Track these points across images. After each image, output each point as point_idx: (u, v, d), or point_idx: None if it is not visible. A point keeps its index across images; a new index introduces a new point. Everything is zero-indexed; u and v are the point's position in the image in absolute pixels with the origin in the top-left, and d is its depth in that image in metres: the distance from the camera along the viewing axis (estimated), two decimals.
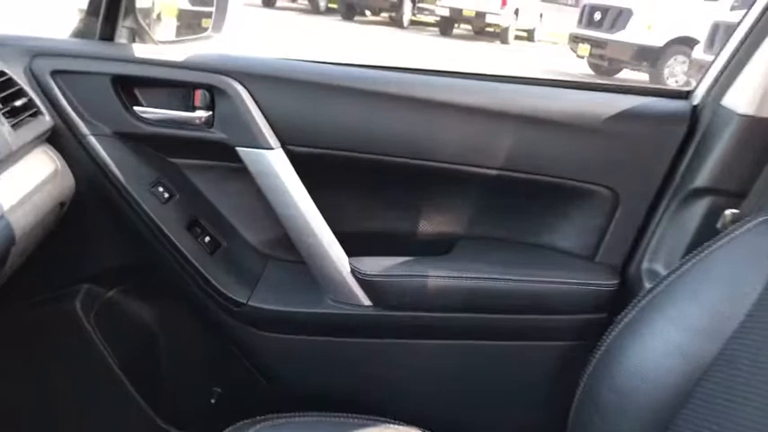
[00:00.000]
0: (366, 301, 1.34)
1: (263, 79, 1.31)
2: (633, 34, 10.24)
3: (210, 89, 1.31)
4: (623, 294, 1.34)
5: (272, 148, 1.28)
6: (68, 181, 1.29)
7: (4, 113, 1.14)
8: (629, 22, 10.42)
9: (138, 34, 1.43)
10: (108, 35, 1.36)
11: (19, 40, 1.30)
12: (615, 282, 1.35)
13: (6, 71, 1.22)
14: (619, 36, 10.36)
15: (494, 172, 1.33)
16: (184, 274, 1.36)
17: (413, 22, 15.76)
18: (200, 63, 1.31)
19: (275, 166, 1.28)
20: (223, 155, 1.33)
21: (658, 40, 10.00)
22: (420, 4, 15.66)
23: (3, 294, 1.19)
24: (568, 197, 1.36)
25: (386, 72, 1.36)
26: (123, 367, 1.47)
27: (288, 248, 1.39)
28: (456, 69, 1.44)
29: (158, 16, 1.59)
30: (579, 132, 1.32)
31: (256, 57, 1.36)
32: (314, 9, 15.97)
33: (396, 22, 15.26)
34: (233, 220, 1.43)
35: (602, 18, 10.73)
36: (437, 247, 1.39)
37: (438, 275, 1.30)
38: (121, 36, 1.38)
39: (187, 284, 1.38)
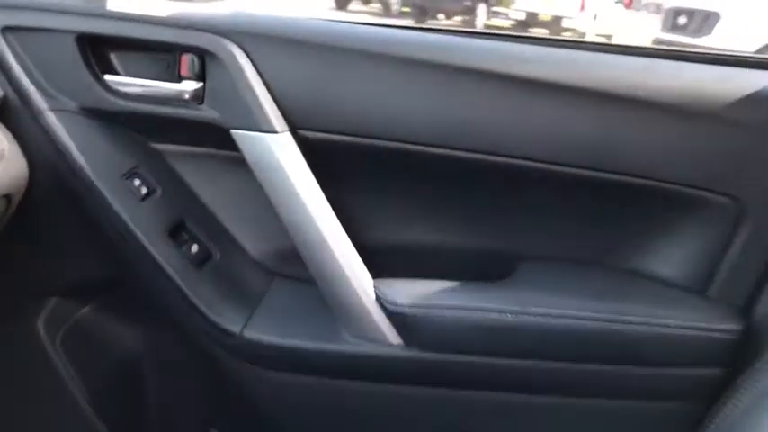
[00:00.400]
0: (395, 339, 1.05)
1: (268, 41, 1.01)
2: (720, 40, 9.60)
3: (201, 53, 1.03)
4: (747, 345, 1.01)
5: (275, 132, 1.01)
6: (18, 168, 1.02)
7: None
8: (716, 27, 9.79)
9: None
10: None
11: None
12: (735, 327, 0.99)
13: None
14: (705, 42, 9.72)
15: (568, 170, 1.01)
16: (164, 292, 1.07)
17: (487, 27, 15.46)
18: (189, 20, 1.02)
19: (280, 155, 1.01)
20: (217, 139, 1.04)
21: (749, 47, 9.34)
22: (495, 8, 15.38)
23: None
24: (671, 207, 1.06)
25: (431, 35, 1.04)
26: (95, 403, 1.19)
27: (298, 263, 1.07)
28: (520, 33, 1.10)
29: None
30: (689, 118, 0.99)
31: (260, 14, 1.06)
32: (386, 12, 15.83)
33: (470, 27, 14.98)
34: (229, 224, 1.17)
35: (688, 22, 10.12)
36: (491, 270, 1.11)
37: (492, 308, 1.02)
38: None
39: (168, 306, 1.08)
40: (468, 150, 1.02)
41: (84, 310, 1.22)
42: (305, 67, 1.02)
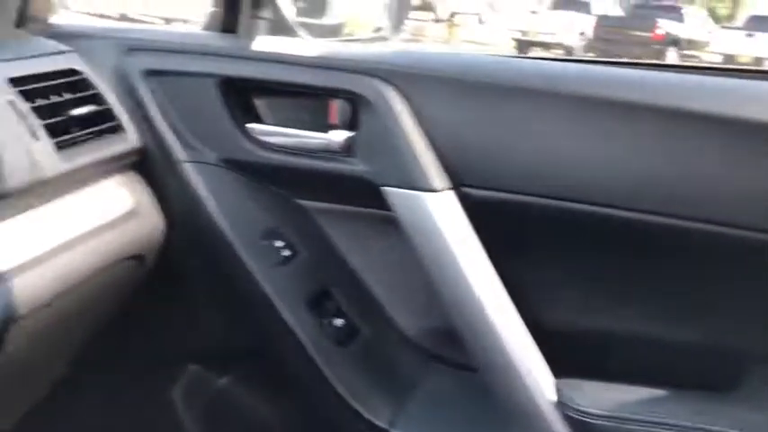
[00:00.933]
0: None
1: (428, 82, 0.88)
2: None
3: (352, 98, 0.91)
4: None
5: (435, 190, 0.87)
6: (152, 226, 0.94)
7: (53, 125, 0.81)
8: None
9: (279, 28, 1.05)
10: (230, 28, 0.99)
11: (108, 31, 1.02)
12: None
13: (81, 69, 0.89)
14: None
15: None
16: (303, 371, 0.94)
17: None
18: (339, 60, 0.91)
19: (439, 217, 0.87)
20: (368, 197, 0.92)
21: None
22: (685, 51, 14.56)
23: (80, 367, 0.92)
24: None
25: (625, 70, 0.84)
26: None
27: (459, 346, 0.91)
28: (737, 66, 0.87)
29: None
30: None
31: (418, 51, 0.90)
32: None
33: None
34: (379, 295, 1.03)
35: None
36: (711, 375, 0.89)
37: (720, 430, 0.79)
38: (251, 30, 1.00)
39: (307, 387, 0.94)
40: (680, 217, 0.80)
41: (224, 380, 1.10)
42: (472, 111, 0.87)
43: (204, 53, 0.95)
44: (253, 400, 1.13)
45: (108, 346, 0.98)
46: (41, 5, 1.03)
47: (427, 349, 1.04)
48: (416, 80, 0.88)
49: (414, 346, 1.03)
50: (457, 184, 0.86)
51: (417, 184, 0.86)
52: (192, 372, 1.10)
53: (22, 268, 0.72)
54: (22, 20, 1.00)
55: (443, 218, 0.85)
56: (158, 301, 1.02)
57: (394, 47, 1.00)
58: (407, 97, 0.87)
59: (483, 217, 0.87)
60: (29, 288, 0.73)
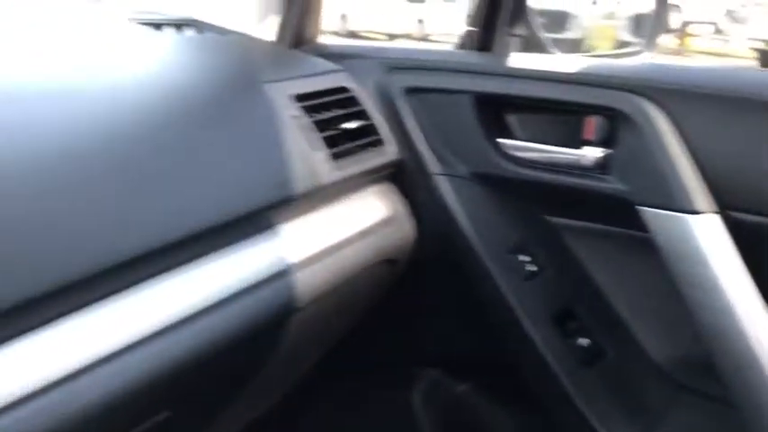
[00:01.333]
0: None
1: (694, 99, 0.84)
2: None
3: (611, 114, 0.87)
4: None
5: (698, 212, 0.81)
6: (405, 233, 0.98)
7: (328, 138, 0.87)
8: None
9: (531, 45, 1.05)
10: (485, 46, 1.01)
11: (372, 51, 1.07)
12: None
13: (350, 87, 0.96)
14: None
15: None
16: (546, 387, 0.93)
17: None
18: (598, 76, 0.88)
19: (702, 241, 0.81)
20: (621, 216, 0.88)
21: None
22: None
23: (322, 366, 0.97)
24: None
25: None
26: None
27: (714, 378, 0.84)
28: None
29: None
30: None
31: (681, 65, 0.86)
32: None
33: None
34: (627, 318, 0.99)
35: None
36: None
37: None
38: (506, 47, 1.02)
39: (548, 404, 0.93)
40: None
41: (463, 387, 1.13)
42: (739, 129, 0.81)
43: (461, 71, 0.98)
44: (491, 409, 1.13)
45: (351, 348, 1.04)
46: (312, 28, 1.12)
47: (677, 378, 0.97)
48: (679, 96, 0.84)
49: (663, 373, 0.97)
50: (723, 206, 0.80)
51: (679, 204, 0.81)
52: (432, 376, 1.13)
53: (303, 264, 0.79)
54: (297, 41, 1.10)
55: (707, 242, 0.80)
56: (404, 306, 1.06)
57: (649, 61, 0.96)
58: (670, 114, 0.83)
59: (751, 243, 0.80)
60: (307, 282, 0.80)
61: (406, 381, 1.13)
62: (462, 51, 1.05)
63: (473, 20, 1.08)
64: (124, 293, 0.62)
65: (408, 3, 11.78)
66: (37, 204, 0.57)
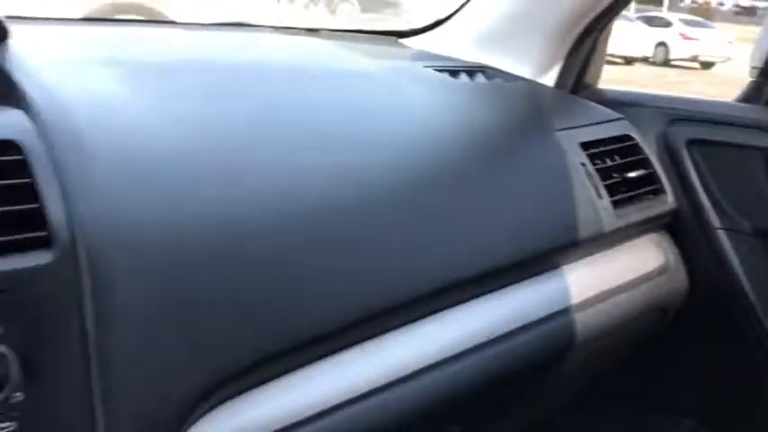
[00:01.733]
0: None
1: None
2: None
3: None
4: None
5: None
6: (678, 283, 0.99)
7: (609, 186, 0.91)
8: None
9: None
10: None
11: (652, 99, 1.08)
12: None
13: (633, 135, 0.99)
14: None
15: None
16: None
17: None
18: None
19: None
20: None
21: None
22: None
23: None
24: None
25: None
26: None
27: None
28: None
29: None
30: None
31: None
32: None
33: None
34: None
35: None
36: None
37: None
38: None
39: None
40: None
41: None
42: None
43: (750, 126, 0.98)
44: None
45: (613, 389, 1.06)
46: (594, 74, 1.15)
47: None
48: None
49: None
50: None
51: None
52: (689, 425, 1.12)
53: (581, 306, 0.84)
54: (577, 87, 1.13)
55: None
56: (666, 356, 1.07)
57: None
58: None
59: None
60: (585, 323, 0.84)
61: (660, 426, 1.12)
62: (748, 106, 1.03)
63: (760, 72, 1.06)
64: (424, 321, 0.70)
65: (648, 27, 11.33)
66: (364, 238, 0.65)
